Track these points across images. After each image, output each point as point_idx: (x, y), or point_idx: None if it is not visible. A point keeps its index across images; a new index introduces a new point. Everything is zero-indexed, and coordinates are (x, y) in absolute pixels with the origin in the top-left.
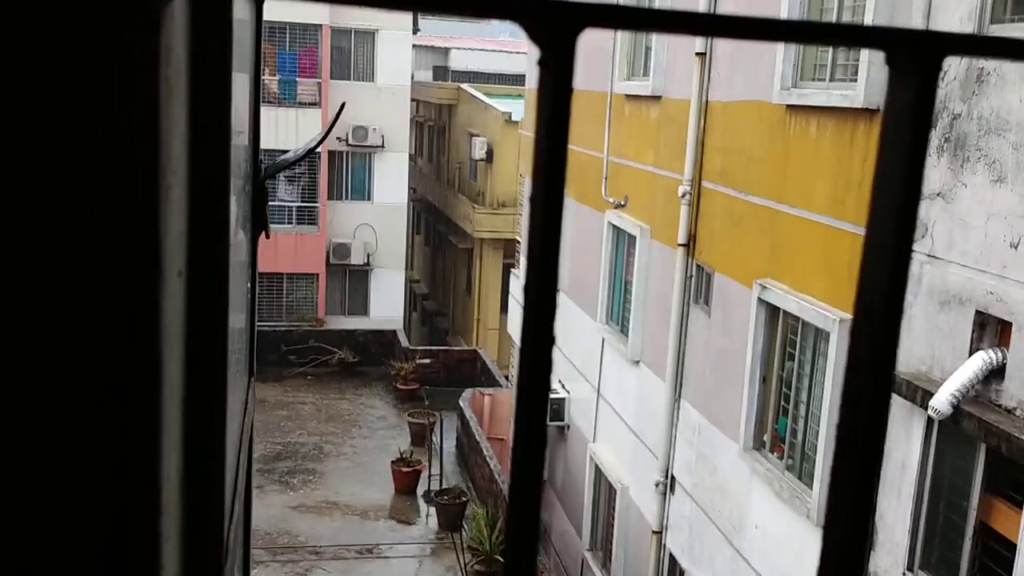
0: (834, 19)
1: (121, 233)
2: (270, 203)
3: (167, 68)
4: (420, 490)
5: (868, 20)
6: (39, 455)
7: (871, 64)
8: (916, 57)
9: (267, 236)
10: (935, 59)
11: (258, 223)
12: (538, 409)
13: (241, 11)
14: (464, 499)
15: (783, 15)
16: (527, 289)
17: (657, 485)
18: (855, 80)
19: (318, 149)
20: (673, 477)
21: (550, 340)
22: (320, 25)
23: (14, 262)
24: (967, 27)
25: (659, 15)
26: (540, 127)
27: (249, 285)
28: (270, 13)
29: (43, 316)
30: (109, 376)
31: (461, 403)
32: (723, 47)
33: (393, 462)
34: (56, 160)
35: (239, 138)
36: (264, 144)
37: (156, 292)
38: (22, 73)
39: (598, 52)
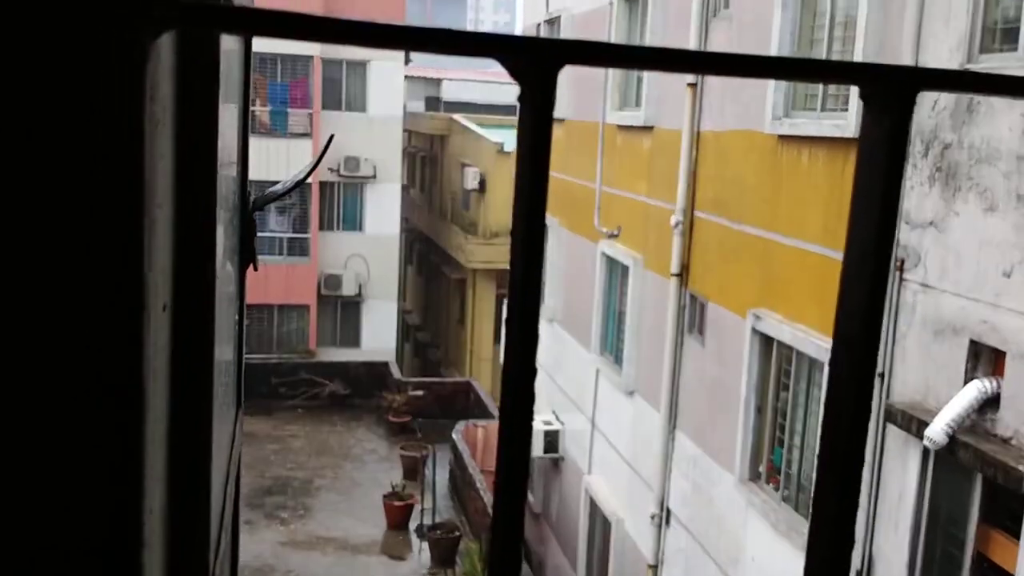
0: (824, 50)
1: (105, 268)
2: (261, 234)
3: (152, 104)
4: (412, 525)
5: (858, 50)
6: (17, 482)
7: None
8: (890, 92)
9: (255, 268)
10: (909, 94)
11: (246, 255)
12: (521, 433)
13: (229, 42)
14: (457, 534)
15: (773, 46)
16: (509, 319)
17: (652, 517)
18: (846, 110)
19: (308, 180)
20: (669, 509)
21: (532, 371)
22: (311, 56)
23: None
24: (956, 57)
25: (635, 51)
26: (521, 161)
27: (237, 317)
28: (261, 45)
29: (25, 347)
30: (91, 408)
31: (454, 435)
32: (714, 78)
33: (385, 496)
34: (41, 195)
35: (227, 169)
36: (255, 175)
37: (140, 326)
38: (9, 108)
39: (590, 83)
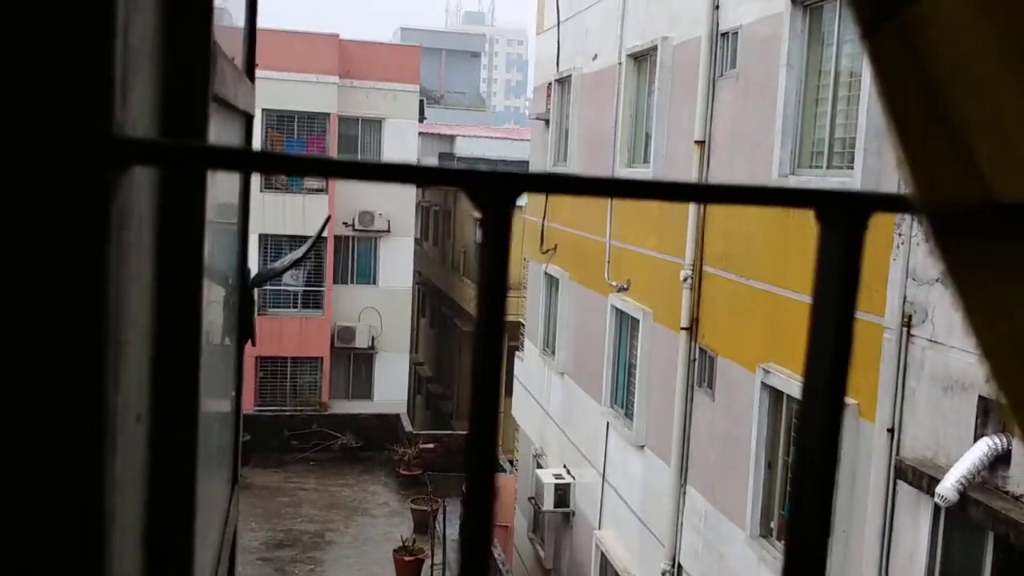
0: (829, 108)
1: (64, 394)
2: (276, 287)
3: (124, 231)
4: None
5: (863, 109)
6: None
7: (867, 152)
8: (844, 214)
9: (253, 344)
10: (862, 216)
11: (244, 332)
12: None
13: (229, 135)
14: None
15: (780, 104)
16: (470, 430)
17: (664, 574)
18: (852, 167)
19: (325, 234)
20: (680, 565)
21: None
22: (328, 114)
23: None
24: None
25: (587, 181)
26: (481, 277)
27: (234, 394)
28: (278, 102)
29: None
30: (50, 525)
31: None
32: (721, 135)
33: (395, 551)
34: None
35: (228, 250)
36: (272, 230)
37: (101, 437)
38: None
39: (600, 140)
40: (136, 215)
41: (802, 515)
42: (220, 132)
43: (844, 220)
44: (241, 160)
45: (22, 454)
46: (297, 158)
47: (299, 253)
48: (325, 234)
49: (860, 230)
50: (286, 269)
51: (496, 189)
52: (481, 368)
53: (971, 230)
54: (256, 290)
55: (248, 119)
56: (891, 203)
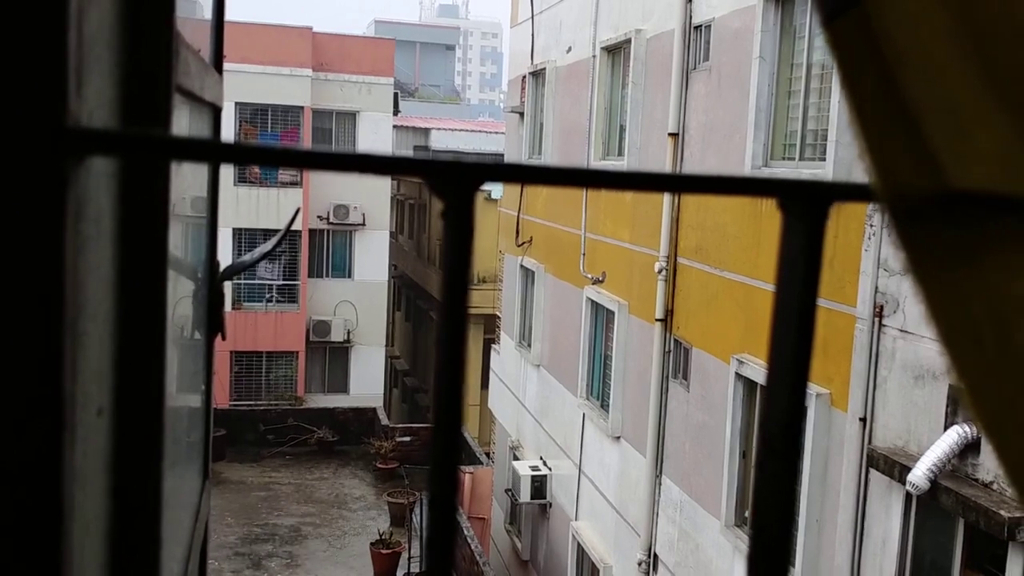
0: (801, 100)
1: (20, 385)
2: (251, 281)
3: (80, 222)
4: (400, 572)
5: (834, 100)
6: None
7: (839, 143)
8: (805, 203)
9: (223, 338)
10: (823, 205)
11: (214, 325)
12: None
13: (198, 127)
14: None
15: (752, 96)
16: (433, 429)
17: (640, 564)
18: (824, 159)
19: (299, 228)
20: (656, 555)
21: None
22: (302, 107)
23: None
24: None
25: (546, 171)
26: (445, 267)
27: (205, 387)
28: (252, 95)
29: None
30: (6, 515)
31: None
32: (695, 128)
33: (372, 544)
34: None
35: (196, 242)
36: (246, 224)
37: (58, 431)
38: None
39: (575, 132)
40: (94, 206)
41: (766, 498)
42: (186, 124)
43: (806, 209)
44: (197, 150)
45: None
46: (254, 148)
47: (269, 246)
48: (298, 227)
49: (821, 219)
50: (256, 262)
51: (457, 179)
52: (447, 356)
53: (928, 219)
54: (228, 284)
55: (216, 111)
56: (852, 192)
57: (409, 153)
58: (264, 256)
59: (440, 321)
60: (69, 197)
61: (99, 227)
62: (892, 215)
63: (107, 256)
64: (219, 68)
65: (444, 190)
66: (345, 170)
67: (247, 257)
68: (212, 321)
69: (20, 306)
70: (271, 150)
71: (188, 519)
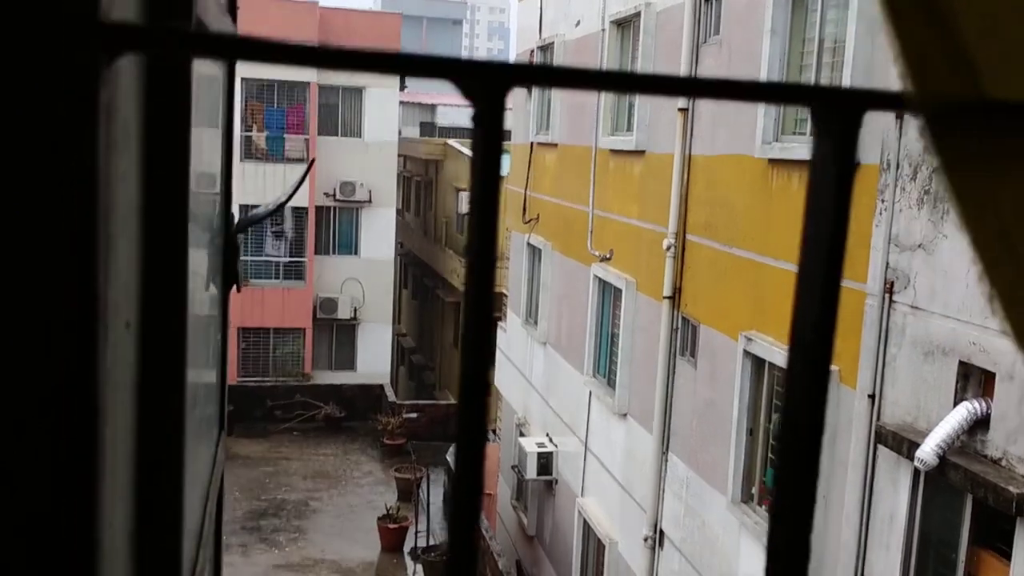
0: (813, 75)
1: (56, 281)
2: (257, 258)
3: (111, 125)
4: (407, 547)
5: (847, 75)
6: None
7: None
8: (838, 113)
9: (238, 290)
10: (856, 114)
11: (229, 276)
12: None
13: (208, 66)
14: None
15: (763, 71)
16: (464, 333)
17: (646, 540)
18: None
19: (305, 205)
20: (662, 531)
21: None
22: (308, 83)
23: None
24: None
25: (580, 73)
26: (474, 174)
27: (220, 337)
28: (258, 71)
29: None
30: (41, 416)
31: (448, 458)
32: (704, 103)
33: (379, 518)
34: None
35: (207, 190)
36: (253, 200)
37: (93, 340)
38: None
39: (583, 108)
40: (121, 115)
41: (790, 458)
42: (205, 67)
43: (838, 117)
44: (227, 46)
45: (17, 340)
46: (285, 46)
47: (283, 197)
48: (305, 204)
49: (854, 127)
50: (271, 213)
51: (489, 80)
52: (477, 278)
53: (963, 126)
54: (240, 236)
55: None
56: (885, 100)
57: (416, 131)
58: (279, 207)
59: (471, 222)
60: (102, 94)
61: (126, 136)
62: (925, 121)
63: (133, 169)
64: (233, 17)
65: (475, 92)
66: (370, 70)
67: (261, 209)
68: (228, 272)
69: (56, 196)
70: (301, 48)
71: (205, 465)
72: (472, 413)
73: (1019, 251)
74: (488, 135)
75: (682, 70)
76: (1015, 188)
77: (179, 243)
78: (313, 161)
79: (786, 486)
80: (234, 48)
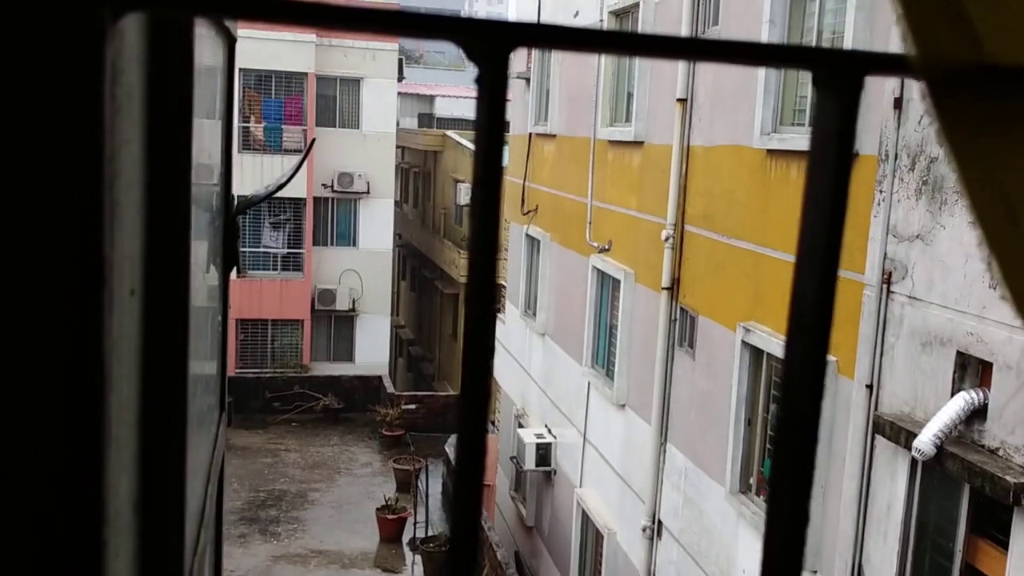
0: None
1: (61, 244)
2: (255, 249)
3: (115, 87)
4: (406, 538)
5: (848, 42)
6: None
7: None
8: (840, 76)
9: (239, 272)
10: (857, 77)
11: (230, 259)
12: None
13: (212, 57)
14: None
15: (764, 37)
16: (468, 299)
17: (644, 530)
18: None
19: (304, 196)
20: (660, 522)
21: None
22: (306, 73)
23: None
24: None
25: (586, 34)
26: (478, 135)
27: (220, 318)
28: (256, 62)
29: None
30: (47, 381)
31: (447, 449)
32: (703, 94)
33: (378, 509)
34: None
35: (207, 170)
36: (250, 191)
37: (99, 306)
38: None
39: (581, 99)
40: (126, 78)
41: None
42: (204, 49)
43: (840, 80)
44: (227, 4)
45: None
46: (284, 3)
47: (283, 179)
48: (303, 195)
49: (856, 90)
50: (271, 195)
51: (493, 40)
52: (480, 246)
53: (964, 90)
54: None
55: (231, 42)
56: (887, 63)
57: (414, 122)
58: (279, 188)
59: (473, 189)
60: (107, 54)
61: (130, 100)
62: (927, 82)
63: (137, 134)
64: None
65: (479, 52)
66: (372, 30)
67: (261, 190)
68: (228, 254)
69: (63, 157)
70: (301, 5)
71: (207, 444)
72: (474, 402)
73: (1019, 214)
74: (492, 97)
75: (681, 61)
76: (1016, 151)
77: (182, 210)
78: (313, 141)
79: (783, 474)
80: (234, 6)
